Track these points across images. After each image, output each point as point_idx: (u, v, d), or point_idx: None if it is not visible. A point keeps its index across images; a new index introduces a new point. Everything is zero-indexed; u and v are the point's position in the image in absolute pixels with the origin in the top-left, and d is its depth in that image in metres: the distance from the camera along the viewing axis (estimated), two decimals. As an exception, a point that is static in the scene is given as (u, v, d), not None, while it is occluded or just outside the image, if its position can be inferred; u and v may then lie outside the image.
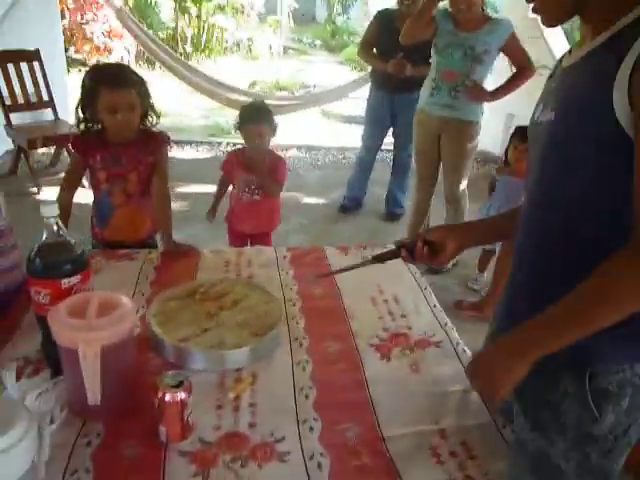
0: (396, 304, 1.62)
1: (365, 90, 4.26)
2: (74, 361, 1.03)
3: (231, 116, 6.80)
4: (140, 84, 1.79)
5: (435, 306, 1.64)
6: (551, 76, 1.07)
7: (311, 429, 1.13)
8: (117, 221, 1.90)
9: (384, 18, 3.66)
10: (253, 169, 2.43)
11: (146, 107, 1.81)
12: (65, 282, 1.14)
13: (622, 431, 0.94)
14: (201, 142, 5.40)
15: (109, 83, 1.70)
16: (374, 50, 3.75)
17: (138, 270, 1.72)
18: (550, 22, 0.97)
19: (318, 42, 13.60)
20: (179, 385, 1.02)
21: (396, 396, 1.24)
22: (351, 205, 4.19)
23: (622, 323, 0.85)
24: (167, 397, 1.01)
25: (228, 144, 5.31)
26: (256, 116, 2.40)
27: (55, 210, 1.12)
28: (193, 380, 1.08)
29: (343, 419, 1.16)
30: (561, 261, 0.97)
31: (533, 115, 1.07)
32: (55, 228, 1.14)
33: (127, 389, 1.12)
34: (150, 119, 1.86)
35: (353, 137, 5.97)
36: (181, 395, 1.01)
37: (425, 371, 1.34)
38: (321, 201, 4.34)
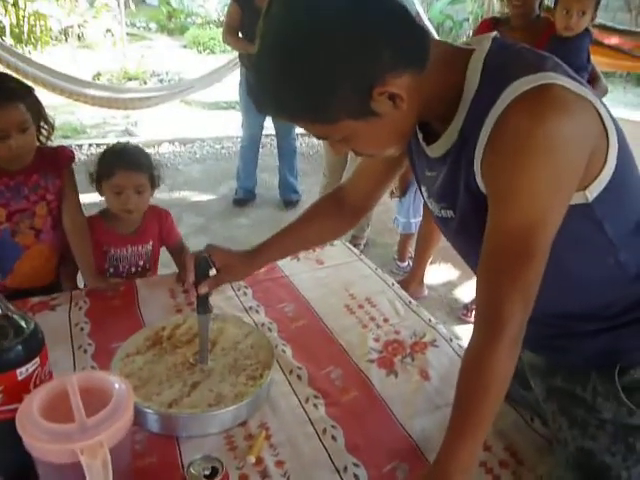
0: (373, 307, 1.52)
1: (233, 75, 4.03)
2: (66, 477, 0.78)
3: (82, 113, 6.19)
4: (27, 94, 1.44)
5: (410, 302, 1.57)
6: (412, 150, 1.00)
7: (356, 477, 0.99)
8: (24, 265, 1.54)
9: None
10: (137, 235, 1.69)
11: (38, 121, 1.47)
12: (22, 372, 0.86)
13: None
14: (57, 147, 4.74)
15: None
16: (239, 34, 3.54)
17: (66, 321, 1.42)
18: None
19: (153, 25, 12.76)
20: (214, 474, 0.82)
21: (423, 415, 1.14)
22: (245, 197, 3.99)
23: None
24: (204, 493, 0.80)
25: (91, 146, 4.75)
26: (133, 161, 1.61)
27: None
28: (196, 449, 0.91)
29: (385, 458, 1.03)
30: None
31: (428, 203, 1.00)
32: (-4, 303, 0.85)
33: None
34: (44, 132, 1.52)
35: (223, 125, 5.70)
36: (221, 486, 0.81)
37: (434, 376, 1.26)
38: (211, 197, 4.08)
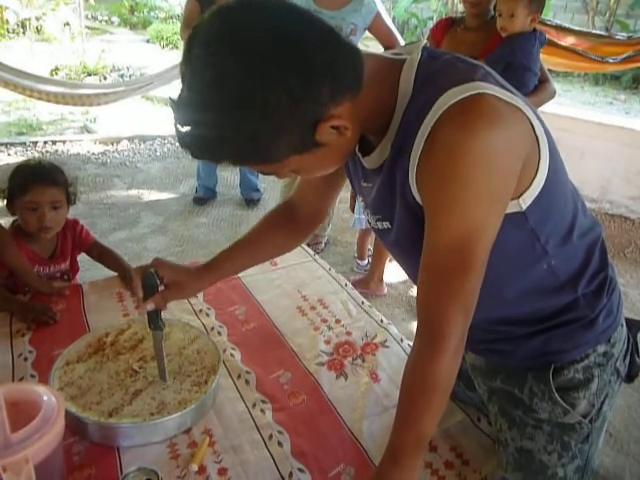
0: (325, 309, 1.51)
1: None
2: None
3: (39, 109, 6.01)
4: None
5: (363, 303, 1.56)
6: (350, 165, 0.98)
7: (301, 483, 0.98)
8: None
9: None
10: (55, 257, 1.64)
11: None
12: (-56, 385, 0.82)
13: (596, 412, 0.95)
14: (11, 143, 4.55)
15: None
16: None
17: (7, 328, 1.36)
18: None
19: (115, 19, 12.49)
20: (149, 486, 0.80)
21: (371, 418, 1.14)
22: (205, 195, 3.92)
23: (574, 319, 0.91)
24: (138, 506, 0.78)
25: (46, 143, 4.61)
26: (48, 176, 1.55)
27: None
28: (137, 459, 0.90)
29: (331, 462, 1.03)
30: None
31: (365, 214, 0.99)
32: None
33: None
34: None
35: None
36: (156, 499, 0.79)
37: (383, 378, 1.26)
38: (171, 195, 3.99)
